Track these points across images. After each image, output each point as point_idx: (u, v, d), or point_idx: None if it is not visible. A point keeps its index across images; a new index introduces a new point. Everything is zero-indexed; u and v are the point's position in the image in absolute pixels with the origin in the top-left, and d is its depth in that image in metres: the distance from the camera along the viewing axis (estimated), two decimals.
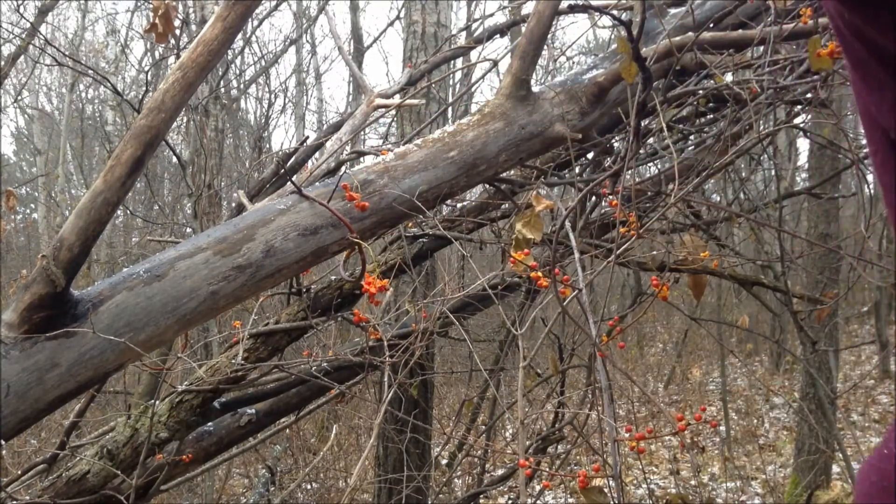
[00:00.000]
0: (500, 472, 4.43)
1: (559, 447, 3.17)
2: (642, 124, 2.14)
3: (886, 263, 4.07)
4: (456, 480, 5.09)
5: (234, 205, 2.80)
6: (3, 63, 6.33)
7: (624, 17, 2.44)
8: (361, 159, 2.10)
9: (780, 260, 2.49)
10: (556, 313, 1.93)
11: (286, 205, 1.71)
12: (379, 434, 4.12)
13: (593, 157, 2.73)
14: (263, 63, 10.48)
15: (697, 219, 2.59)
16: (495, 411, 4.08)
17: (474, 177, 1.95)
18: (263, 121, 10.37)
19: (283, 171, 2.74)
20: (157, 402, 2.11)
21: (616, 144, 2.49)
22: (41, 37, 6.14)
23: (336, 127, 2.97)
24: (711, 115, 2.70)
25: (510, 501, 5.61)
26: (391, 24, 12.26)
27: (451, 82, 7.48)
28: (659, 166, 3.02)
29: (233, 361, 2.11)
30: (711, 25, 2.24)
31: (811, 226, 5.82)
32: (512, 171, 2.38)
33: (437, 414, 6.30)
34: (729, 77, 2.26)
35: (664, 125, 1.82)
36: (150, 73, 5.98)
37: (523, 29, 2.16)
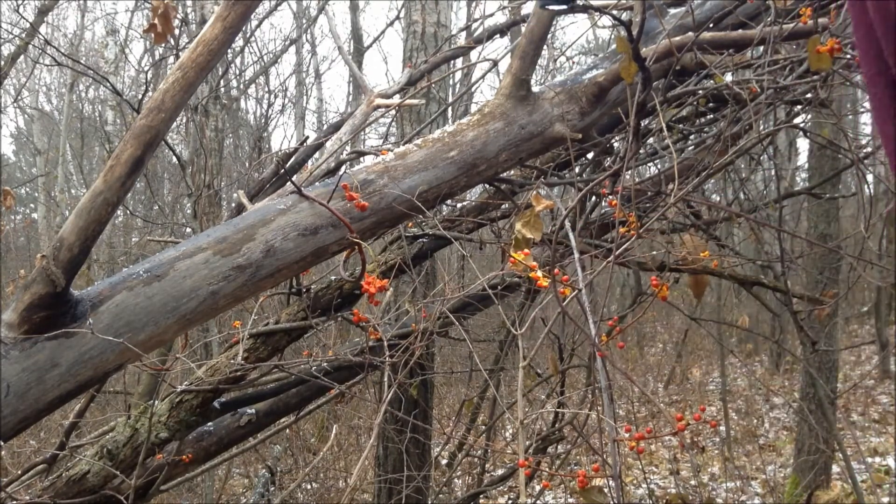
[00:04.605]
0: (500, 472, 4.43)
1: (559, 447, 3.17)
2: (642, 124, 2.14)
3: (886, 263, 4.07)
4: (456, 480, 5.09)
5: (234, 205, 2.79)
6: (3, 63, 6.33)
7: (624, 17, 2.44)
8: (361, 159, 2.09)
9: (780, 260, 2.49)
10: (556, 313, 1.93)
11: (286, 205, 1.71)
12: (379, 434, 4.11)
13: (593, 157, 2.73)
14: (263, 63, 10.46)
15: (697, 219, 2.59)
16: (495, 411, 4.08)
17: (474, 177, 1.95)
18: (263, 121, 10.36)
19: (283, 171, 2.74)
20: (157, 402, 2.11)
21: (616, 144, 2.49)
22: (41, 37, 6.14)
23: (336, 127, 2.96)
24: (711, 115, 2.70)
25: (510, 501, 5.61)
26: (391, 24, 12.24)
27: (451, 82, 7.49)
28: (659, 166, 3.01)
29: (233, 361, 2.11)
30: (711, 25, 2.23)
31: (811, 226, 5.83)
32: (512, 171, 2.38)
33: (437, 414, 6.30)
34: (729, 77, 2.25)
35: (664, 125, 1.82)
36: (149, 73, 5.97)
37: (523, 29, 2.16)
